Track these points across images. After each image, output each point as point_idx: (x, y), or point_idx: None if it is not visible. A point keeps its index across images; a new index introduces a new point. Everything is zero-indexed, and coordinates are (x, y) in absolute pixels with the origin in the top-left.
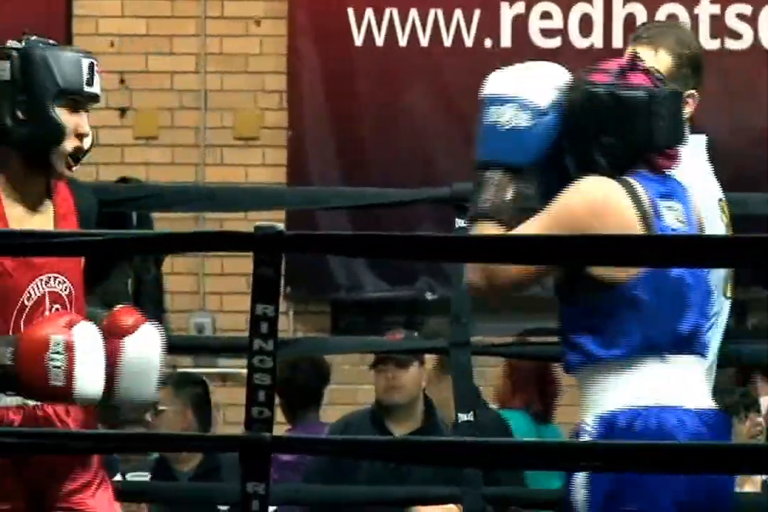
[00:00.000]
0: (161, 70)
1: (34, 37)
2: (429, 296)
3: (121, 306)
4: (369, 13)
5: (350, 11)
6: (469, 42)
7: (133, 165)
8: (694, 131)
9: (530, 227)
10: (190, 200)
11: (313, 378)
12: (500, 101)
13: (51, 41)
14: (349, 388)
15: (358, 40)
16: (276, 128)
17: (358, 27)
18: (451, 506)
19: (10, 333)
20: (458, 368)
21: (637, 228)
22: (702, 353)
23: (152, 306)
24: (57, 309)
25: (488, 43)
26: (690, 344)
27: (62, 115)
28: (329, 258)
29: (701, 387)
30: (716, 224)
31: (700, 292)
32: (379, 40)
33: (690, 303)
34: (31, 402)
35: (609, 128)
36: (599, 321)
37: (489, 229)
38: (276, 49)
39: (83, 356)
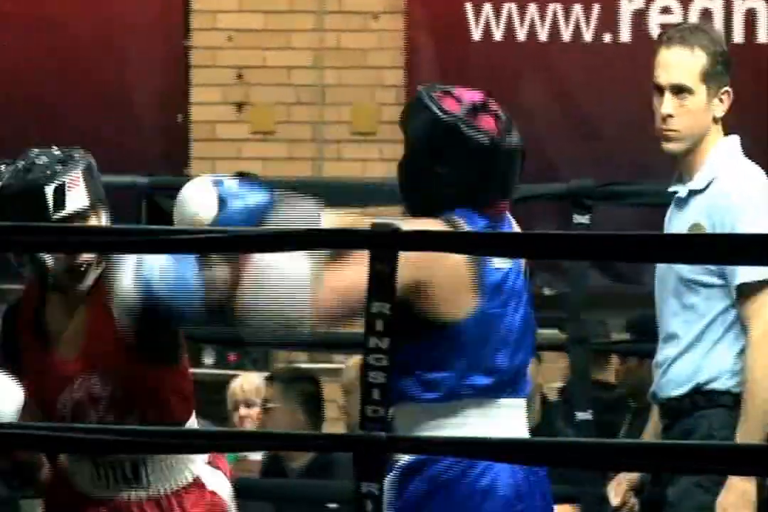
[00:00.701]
0: (278, 64)
1: (21, 162)
2: (546, 292)
3: None
4: (487, 7)
5: (468, 6)
6: (587, 37)
7: (249, 160)
8: (728, 132)
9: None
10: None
11: None
12: None
13: (36, 160)
14: None
15: (476, 34)
16: (393, 123)
17: (476, 22)
18: (566, 506)
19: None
20: (576, 365)
21: (465, 273)
22: (523, 395)
23: None
24: (98, 412)
25: (607, 38)
26: (513, 385)
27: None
28: None
29: (522, 430)
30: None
31: (523, 330)
32: (497, 35)
33: (512, 342)
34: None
35: (444, 159)
36: (424, 363)
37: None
38: (394, 43)
39: None
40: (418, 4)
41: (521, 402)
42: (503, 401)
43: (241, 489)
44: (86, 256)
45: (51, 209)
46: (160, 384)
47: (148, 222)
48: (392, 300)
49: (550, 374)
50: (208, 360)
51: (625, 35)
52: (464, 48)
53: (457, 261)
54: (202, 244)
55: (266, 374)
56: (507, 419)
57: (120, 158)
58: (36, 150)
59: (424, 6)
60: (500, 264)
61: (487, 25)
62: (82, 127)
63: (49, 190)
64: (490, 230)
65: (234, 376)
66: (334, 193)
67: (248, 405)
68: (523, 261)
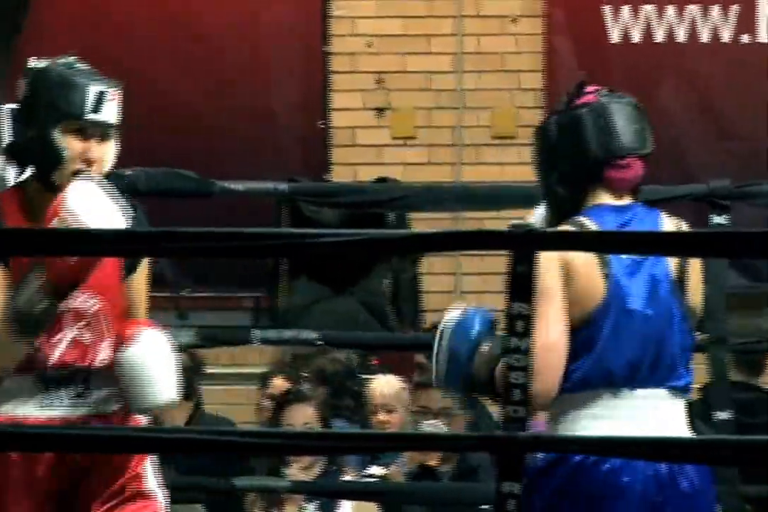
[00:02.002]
0: (418, 69)
1: (70, 59)
2: None
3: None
4: (625, 9)
5: (606, 8)
6: (726, 38)
7: (389, 165)
8: None
9: (542, 319)
10: (447, 199)
11: None
12: None
13: (82, 66)
14: None
15: (614, 36)
16: (533, 126)
17: (615, 24)
18: None
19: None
20: (715, 365)
21: (596, 272)
22: (669, 385)
23: (410, 306)
24: (79, 328)
25: (745, 38)
26: (653, 375)
27: (67, 139)
28: None
29: (664, 420)
30: None
31: (666, 320)
32: (635, 37)
33: (651, 332)
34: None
35: (559, 155)
36: None
37: None
38: (532, 47)
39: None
40: (556, 7)
41: (664, 393)
42: (641, 392)
43: (390, 493)
44: (97, 154)
45: (87, 108)
46: (124, 302)
47: (289, 227)
48: (531, 301)
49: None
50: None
51: (764, 35)
52: (603, 50)
53: (590, 265)
54: (343, 245)
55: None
56: (644, 410)
57: (261, 164)
58: (71, 58)
59: (563, 9)
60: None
61: (625, 27)
62: (224, 133)
63: (93, 90)
64: (619, 225)
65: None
66: (472, 197)
67: (388, 410)
68: None
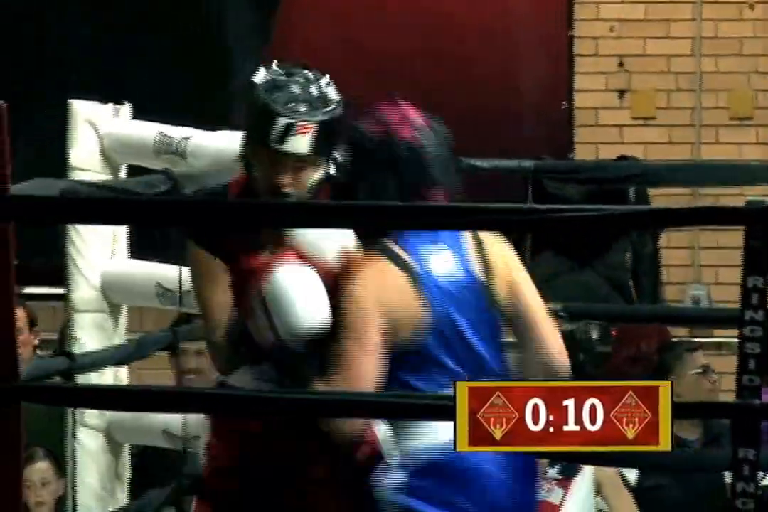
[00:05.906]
0: (658, 53)
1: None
2: None
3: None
4: None
5: None
6: None
7: (631, 144)
8: None
9: (353, 353)
10: (685, 177)
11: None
12: None
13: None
14: None
15: None
16: None
17: None
18: None
19: None
20: None
21: (408, 286)
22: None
23: (649, 279)
24: None
25: None
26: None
27: (264, 166)
28: None
29: None
30: None
31: (472, 332)
32: None
33: (469, 343)
34: None
35: (375, 184)
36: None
37: None
38: None
39: (275, 303)
40: None
41: None
42: None
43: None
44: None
45: (272, 139)
46: None
47: (534, 202)
48: (766, 274)
49: None
50: (594, 335)
51: None
52: None
53: (402, 282)
54: (586, 221)
55: None
56: None
57: (509, 143)
58: (309, 74)
59: None
60: (441, 267)
61: None
62: (475, 113)
63: (281, 122)
64: (430, 242)
65: None
66: (711, 174)
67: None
68: (475, 265)
